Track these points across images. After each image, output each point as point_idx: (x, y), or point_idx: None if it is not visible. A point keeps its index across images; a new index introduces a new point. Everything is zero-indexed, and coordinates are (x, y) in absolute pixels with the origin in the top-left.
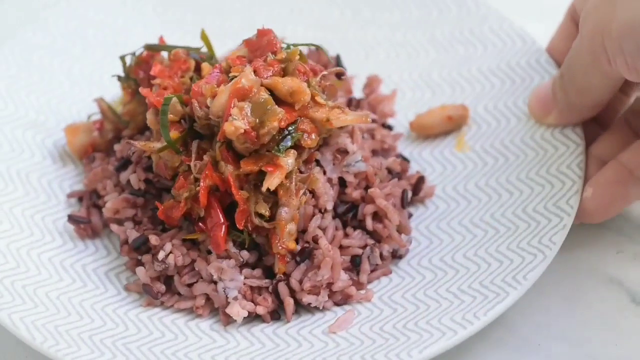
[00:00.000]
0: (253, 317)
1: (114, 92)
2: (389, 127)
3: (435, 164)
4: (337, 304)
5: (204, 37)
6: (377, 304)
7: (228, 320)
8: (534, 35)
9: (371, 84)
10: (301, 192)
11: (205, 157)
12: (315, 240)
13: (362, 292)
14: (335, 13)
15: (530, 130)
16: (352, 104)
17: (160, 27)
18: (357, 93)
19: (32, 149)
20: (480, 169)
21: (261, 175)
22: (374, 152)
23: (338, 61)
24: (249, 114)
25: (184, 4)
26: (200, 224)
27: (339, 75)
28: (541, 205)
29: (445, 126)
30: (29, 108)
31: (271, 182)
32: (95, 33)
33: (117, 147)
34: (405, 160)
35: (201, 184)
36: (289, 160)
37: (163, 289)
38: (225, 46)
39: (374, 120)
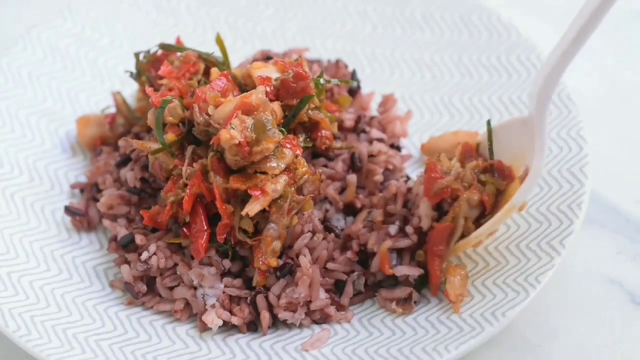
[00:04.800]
0: (230, 327)
1: (135, 87)
2: (398, 148)
3: None
4: (316, 322)
5: (219, 41)
6: (355, 326)
7: (204, 327)
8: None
9: (386, 102)
10: (293, 212)
11: (196, 165)
12: (298, 257)
13: (342, 312)
14: (368, 28)
15: None
16: (361, 121)
17: (193, 26)
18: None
19: (44, 136)
20: None
21: (249, 193)
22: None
23: (353, 76)
24: (248, 128)
25: (217, 4)
26: (184, 229)
27: (350, 92)
28: (534, 243)
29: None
30: (47, 95)
31: (252, 209)
32: (124, 27)
33: (121, 142)
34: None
35: (187, 190)
36: (277, 187)
37: (144, 289)
38: (254, 49)
39: (381, 140)
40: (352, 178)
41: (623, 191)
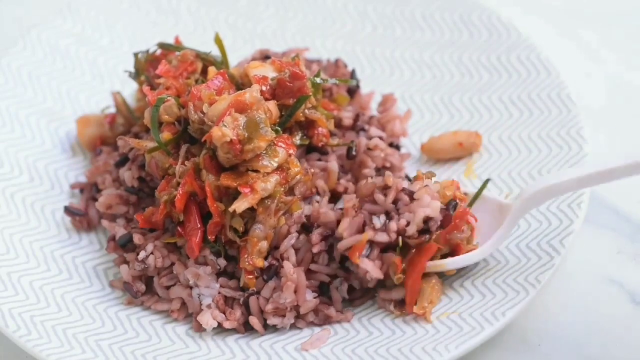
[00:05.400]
0: None
1: (134, 87)
2: (397, 147)
3: None
4: (315, 324)
5: (218, 41)
6: (355, 325)
7: (200, 328)
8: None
9: (385, 102)
10: (280, 212)
11: (188, 163)
12: (283, 259)
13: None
14: (368, 28)
15: (538, 164)
16: (360, 119)
17: (192, 26)
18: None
19: (44, 136)
20: None
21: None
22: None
23: (352, 75)
24: (240, 126)
25: (217, 4)
26: (179, 228)
27: (350, 91)
28: (535, 242)
29: (456, 152)
30: (47, 95)
31: (239, 205)
32: (124, 27)
33: (119, 142)
34: (410, 181)
35: (179, 189)
36: (267, 186)
37: (143, 289)
38: (254, 48)
39: (380, 138)
40: (333, 166)
41: (623, 191)
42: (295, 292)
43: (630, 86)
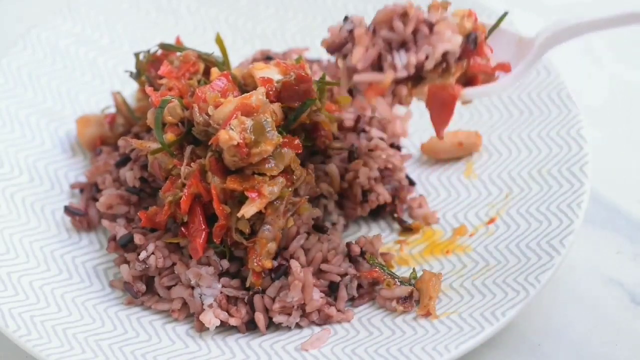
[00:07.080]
0: (229, 327)
1: (135, 87)
2: (398, 148)
3: (440, 189)
4: (316, 324)
5: (219, 41)
6: (355, 325)
7: (201, 327)
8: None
9: None
10: (289, 214)
11: (194, 165)
12: (292, 258)
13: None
14: None
15: (538, 164)
16: (361, 120)
17: (193, 26)
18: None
19: (44, 136)
20: (483, 199)
21: (246, 194)
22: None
23: None
24: (247, 130)
25: (217, 4)
26: (183, 228)
27: (351, 91)
28: (534, 242)
29: (456, 152)
30: (47, 95)
31: (247, 211)
32: (124, 27)
33: (120, 142)
34: (411, 182)
35: (185, 190)
36: (274, 189)
37: (143, 289)
38: (254, 48)
39: (381, 139)
40: (332, 168)
41: (623, 191)
42: (302, 290)
43: (631, 86)
